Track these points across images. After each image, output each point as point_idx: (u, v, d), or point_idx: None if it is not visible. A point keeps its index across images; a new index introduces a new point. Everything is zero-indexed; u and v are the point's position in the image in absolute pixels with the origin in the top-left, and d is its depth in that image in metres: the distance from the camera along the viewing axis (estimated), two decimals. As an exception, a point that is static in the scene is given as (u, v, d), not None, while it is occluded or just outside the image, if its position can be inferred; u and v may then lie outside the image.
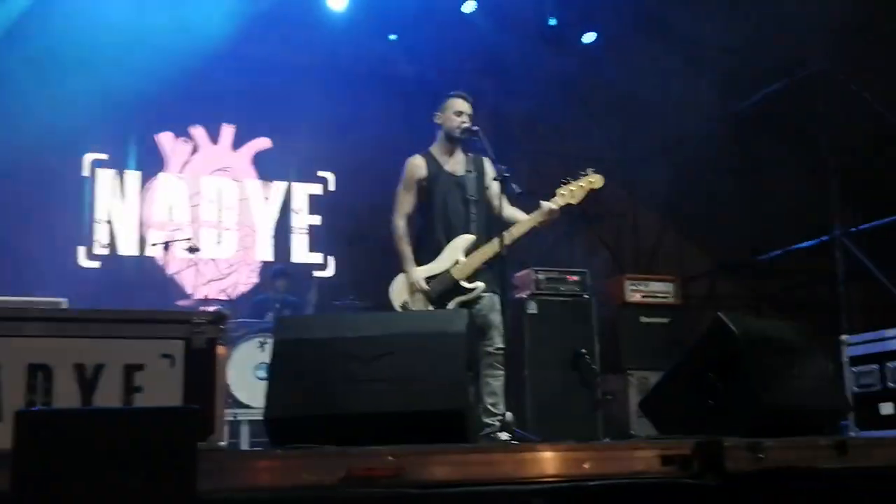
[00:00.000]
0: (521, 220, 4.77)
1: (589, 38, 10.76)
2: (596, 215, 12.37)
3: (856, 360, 3.85)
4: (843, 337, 3.94)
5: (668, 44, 11.79)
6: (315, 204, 10.48)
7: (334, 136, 10.14)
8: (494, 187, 4.69)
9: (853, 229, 9.56)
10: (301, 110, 9.97)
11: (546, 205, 4.75)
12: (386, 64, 11.14)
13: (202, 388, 2.89)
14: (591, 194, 4.99)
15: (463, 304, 4.62)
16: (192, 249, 7.72)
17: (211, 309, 7.46)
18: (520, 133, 12.28)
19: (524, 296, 7.29)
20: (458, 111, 4.90)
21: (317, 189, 10.51)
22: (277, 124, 10.11)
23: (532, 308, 7.23)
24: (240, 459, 2.58)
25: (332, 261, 10.39)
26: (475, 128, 4.75)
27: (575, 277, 7.45)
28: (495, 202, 4.69)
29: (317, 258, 10.38)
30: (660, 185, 12.20)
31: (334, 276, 10.30)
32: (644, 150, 12.11)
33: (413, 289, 4.75)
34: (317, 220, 10.44)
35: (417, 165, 4.95)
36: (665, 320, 7.65)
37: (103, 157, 9.59)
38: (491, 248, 4.71)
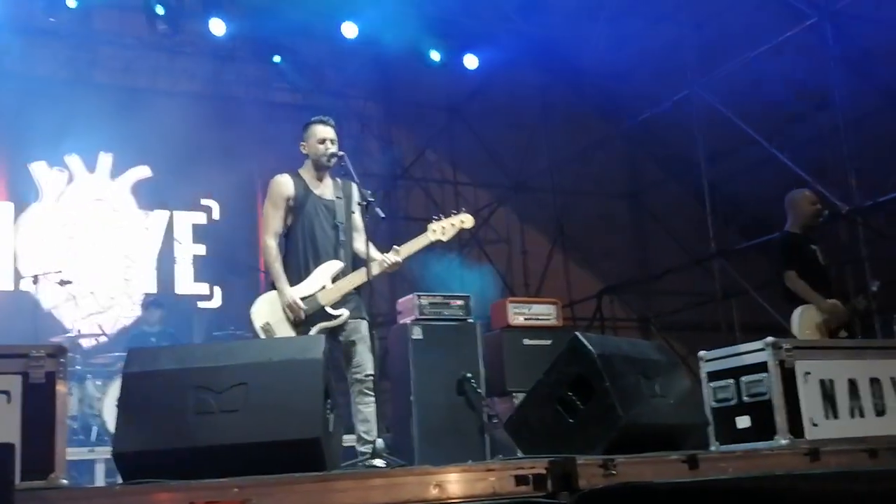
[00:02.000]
0: (370, 253, 4.73)
1: (471, 62, 10.84)
2: (487, 240, 12.54)
3: (713, 376, 3.95)
4: (701, 353, 4.03)
5: (550, 69, 12.06)
6: (199, 233, 10.26)
7: (218, 164, 10.00)
8: (358, 213, 4.70)
9: (728, 249, 9.86)
10: (182, 137, 9.79)
11: (392, 256, 4.73)
12: (269, 89, 11.06)
13: (41, 424, 2.78)
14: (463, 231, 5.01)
15: (327, 331, 4.57)
16: (64, 282, 7.46)
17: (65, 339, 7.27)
18: (411, 159, 12.35)
19: (408, 321, 7.26)
20: (321, 139, 4.86)
21: (200, 218, 10.30)
22: (157, 152, 9.87)
23: (416, 333, 7.20)
24: (78, 497, 2.47)
25: (218, 291, 10.18)
26: (340, 153, 4.72)
27: (458, 301, 7.45)
28: (356, 231, 4.75)
29: (202, 289, 10.16)
30: (548, 209, 12.41)
31: (221, 306, 10.09)
32: (531, 175, 12.30)
33: (280, 310, 4.68)
34: (201, 249, 10.21)
35: (284, 183, 4.90)
36: (547, 342, 7.70)
37: (-28, 188, 9.23)
38: (358, 277, 4.69)
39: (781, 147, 9.58)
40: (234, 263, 9.93)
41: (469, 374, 7.14)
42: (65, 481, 2.78)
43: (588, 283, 12.61)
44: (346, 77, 11.67)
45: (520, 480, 2.85)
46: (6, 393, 2.77)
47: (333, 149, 4.82)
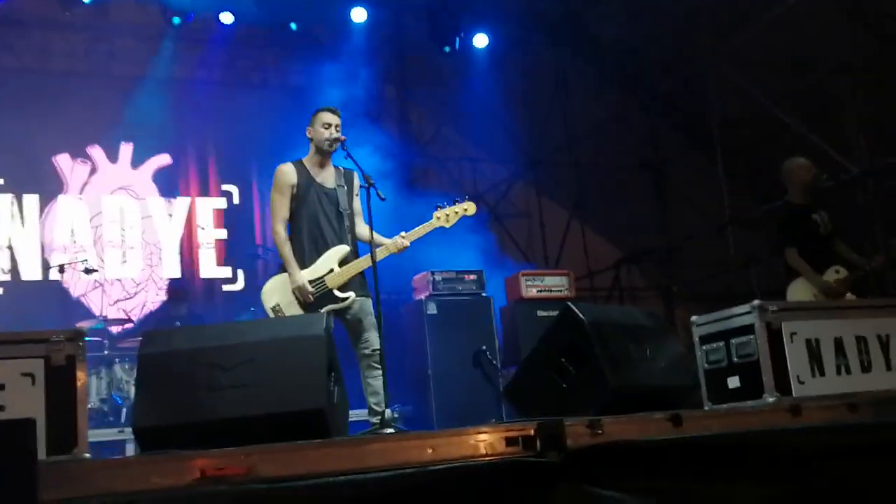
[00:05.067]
0: (374, 237, 4.99)
1: (481, 42, 10.94)
2: (506, 214, 12.67)
3: (704, 339, 4.10)
4: (693, 318, 4.18)
5: (565, 43, 12.13)
6: (220, 218, 10.50)
7: (236, 150, 10.21)
8: (357, 200, 4.96)
9: (742, 216, 9.93)
10: (200, 125, 10.02)
11: (399, 241, 5.02)
12: (283, 74, 11.22)
13: (64, 403, 2.99)
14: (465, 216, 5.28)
15: (335, 312, 4.81)
16: (88, 270, 7.71)
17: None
18: (428, 138, 12.48)
19: (423, 297, 7.47)
20: (326, 123, 5.09)
21: (221, 203, 10.53)
22: (177, 140, 10.12)
23: (431, 309, 7.41)
24: (97, 468, 2.69)
25: (241, 274, 10.42)
26: (342, 137, 4.94)
27: (472, 276, 7.65)
28: (357, 216, 5.01)
29: (226, 272, 10.40)
30: (567, 182, 12.51)
31: (244, 288, 10.32)
32: (549, 149, 12.39)
33: (289, 292, 4.92)
34: (223, 234, 10.45)
35: (287, 172, 5.15)
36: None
37: (-1, 182, 9.49)
38: (365, 262, 4.95)
39: (796, 112, 9.62)
40: (254, 246, 10.14)
41: (484, 347, 7.34)
42: (87, 455, 3.00)
43: (608, 254, 12.69)
44: (360, 59, 11.81)
45: (510, 442, 3.02)
46: (30, 375, 2.99)
47: (337, 133, 5.04)
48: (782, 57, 9.95)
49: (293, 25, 10.54)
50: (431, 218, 5.18)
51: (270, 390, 3.26)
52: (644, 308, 12.39)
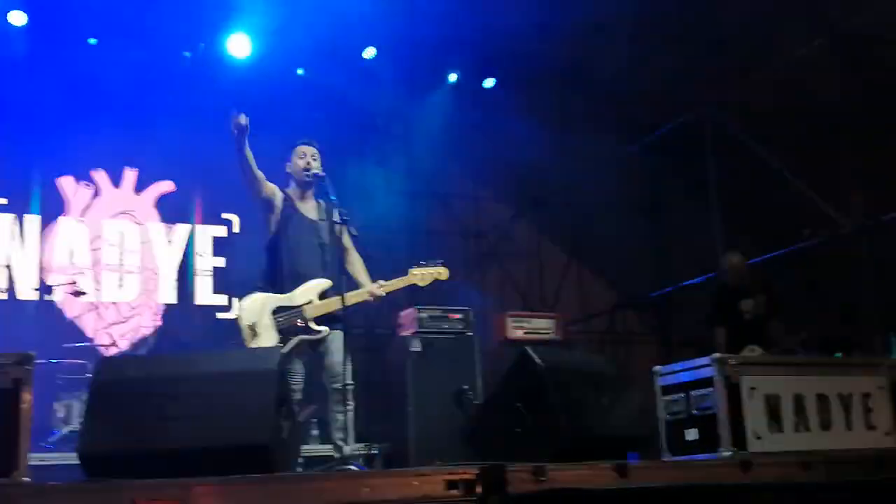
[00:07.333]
0: (358, 277, 5.10)
1: (489, 83, 11.04)
2: (506, 253, 12.69)
3: (666, 390, 4.10)
4: (655, 367, 4.18)
5: (567, 88, 12.21)
6: (219, 246, 10.55)
7: (238, 179, 10.25)
8: (347, 236, 5.04)
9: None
10: (204, 153, 10.08)
11: (376, 290, 5.10)
12: (291, 108, 11.30)
13: (7, 426, 3.01)
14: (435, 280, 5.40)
15: (307, 343, 4.84)
16: (78, 293, 7.76)
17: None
18: (430, 175, 12.55)
19: (408, 334, 7.48)
20: (301, 153, 5.18)
21: (221, 231, 10.59)
22: (180, 167, 10.19)
23: (415, 346, 7.42)
24: (33, 494, 2.71)
25: (236, 302, 10.43)
26: (322, 174, 5.02)
27: (457, 315, 7.67)
28: (346, 251, 5.07)
29: (221, 300, 10.43)
30: (566, 223, 12.55)
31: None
32: (550, 189, 12.43)
33: (269, 314, 4.99)
34: (221, 262, 10.50)
35: (273, 185, 5.25)
36: (545, 356, 7.87)
37: (2, 201, 9.57)
38: (338, 303, 4.99)
39: (794, 164, 9.64)
40: (252, 276, 10.17)
41: (466, 387, 7.33)
42: (26, 479, 3.01)
43: (606, 297, 12.70)
44: (368, 96, 11.90)
45: (450, 485, 3.02)
46: (-26, 397, 3.02)
47: (315, 165, 5.11)
48: (783, 107, 9.99)
49: (300, 71, 10.67)
50: (408, 274, 5.29)
51: (219, 423, 3.27)
52: (641, 353, 12.46)
